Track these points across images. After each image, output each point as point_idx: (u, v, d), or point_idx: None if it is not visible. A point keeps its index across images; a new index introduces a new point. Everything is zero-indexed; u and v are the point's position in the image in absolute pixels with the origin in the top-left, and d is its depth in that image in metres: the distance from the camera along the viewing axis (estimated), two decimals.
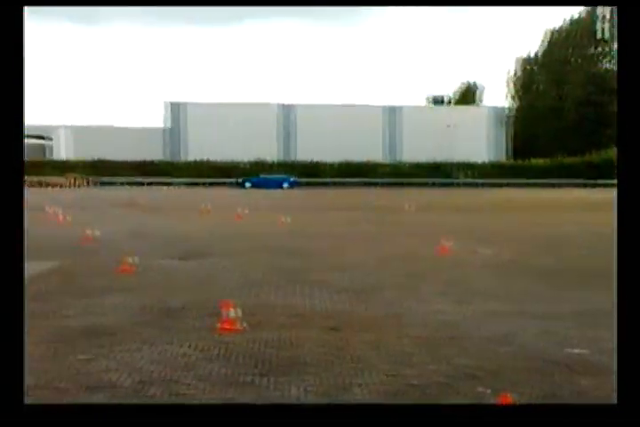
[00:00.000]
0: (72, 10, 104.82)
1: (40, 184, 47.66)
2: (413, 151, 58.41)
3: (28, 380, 4.28)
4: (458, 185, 53.60)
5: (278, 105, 63.01)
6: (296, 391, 4.18)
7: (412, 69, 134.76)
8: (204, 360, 4.83)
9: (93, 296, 7.24)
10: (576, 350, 5.16)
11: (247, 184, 49.04)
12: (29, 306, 6.50)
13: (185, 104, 62.42)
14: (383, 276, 8.91)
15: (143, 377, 4.41)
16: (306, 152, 58.03)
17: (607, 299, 6.08)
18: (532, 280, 8.59)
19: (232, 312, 5.81)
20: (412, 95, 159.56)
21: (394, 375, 4.51)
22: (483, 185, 52.38)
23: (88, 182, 49.22)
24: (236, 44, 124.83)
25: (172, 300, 7.07)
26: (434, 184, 52.04)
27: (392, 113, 63.51)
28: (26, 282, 8.08)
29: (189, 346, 5.22)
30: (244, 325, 5.80)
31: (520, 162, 60.25)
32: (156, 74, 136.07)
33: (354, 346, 5.24)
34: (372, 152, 57.94)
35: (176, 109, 62.29)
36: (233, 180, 51.44)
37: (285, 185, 48.79)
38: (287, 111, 62.68)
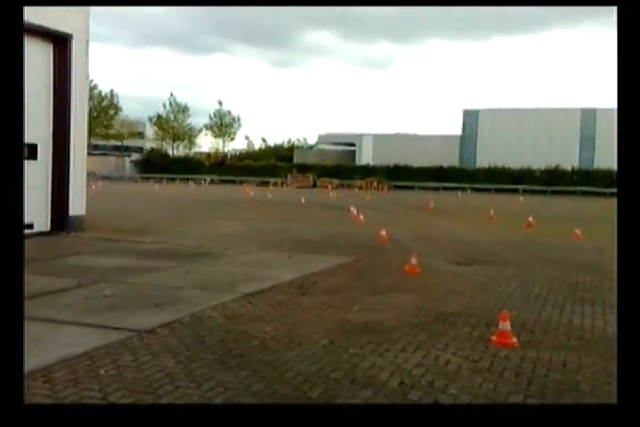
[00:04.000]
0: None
1: (343, 186, 52.26)
2: None
3: (303, 366, 4.70)
4: None
5: (581, 109, 58.54)
6: None
7: None
8: (471, 372, 4.72)
9: (377, 294, 7.59)
10: None
11: None
12: (323, 298, 7.17)
13: (477, 111, 61.92)
14: None
15: (407, 379, 4.48)
16: (606, 160, 52.86)
17: None
18: None
19: (508, 325, 5.57)
20: None
21: None
22: None
23: (384, 186, 51.97)
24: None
25: (447, 304, 7.06)
26: None
27: None
28: (324, 274, 9.00)
29: (459, 355, 5.14)
30: (519, 340, 5.53)
31: None
32: (459, 83, 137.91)
33: None
34: None
35: (469, 116, 62.15)
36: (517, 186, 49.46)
37: None
38: (588, 116, 57.76)
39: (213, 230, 14.83)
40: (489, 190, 50.63)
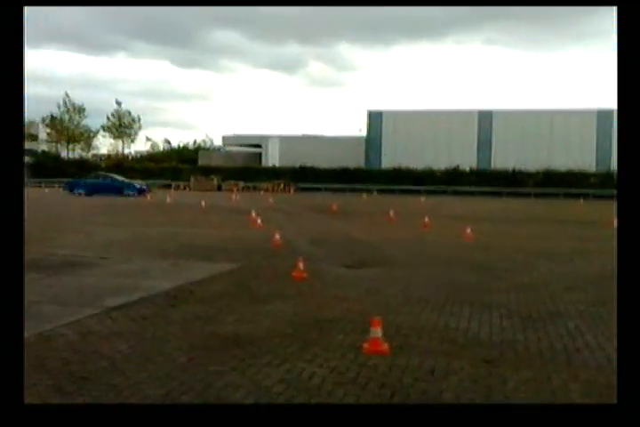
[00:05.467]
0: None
1: (249, 189, 51.65)
2: None
3: (151, 389, 4.26)
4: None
5: (479, 112, 60.86)
6: None
7: None
8: (334, 384, 4.44)
9: (257, 302, 7.24)
10: None
11: (78, 190, 37.45)
12: (196, 309, 6.72)
13: (380, 112, 62.94)
14: (570, 300, 7.81)
15: (264, 398, 4.14)
16: (503, 161, 55.25)
17: None
18: None
19: (379, 331, 5.35)
20: None
21: None
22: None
23: (290, 188, 51.79)
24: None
25: (327, 310, 6.82)
26: None
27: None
28: (204, 282, 8.54)
29: (326, 366, 4.87)
30: (392, 346, 5.32)
31: None
32: (366, 85, 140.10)
33: (509, 385, 4.49)
34: (576, 160, 52.75)
35: (373, 118, 63.06)
36: (427, 187, 50.81)
37: (130, 192, 36.92)
38: (485, 118, 60.13)
39: (95, 238, 13.95)
40: (393, 191, 51.50)
